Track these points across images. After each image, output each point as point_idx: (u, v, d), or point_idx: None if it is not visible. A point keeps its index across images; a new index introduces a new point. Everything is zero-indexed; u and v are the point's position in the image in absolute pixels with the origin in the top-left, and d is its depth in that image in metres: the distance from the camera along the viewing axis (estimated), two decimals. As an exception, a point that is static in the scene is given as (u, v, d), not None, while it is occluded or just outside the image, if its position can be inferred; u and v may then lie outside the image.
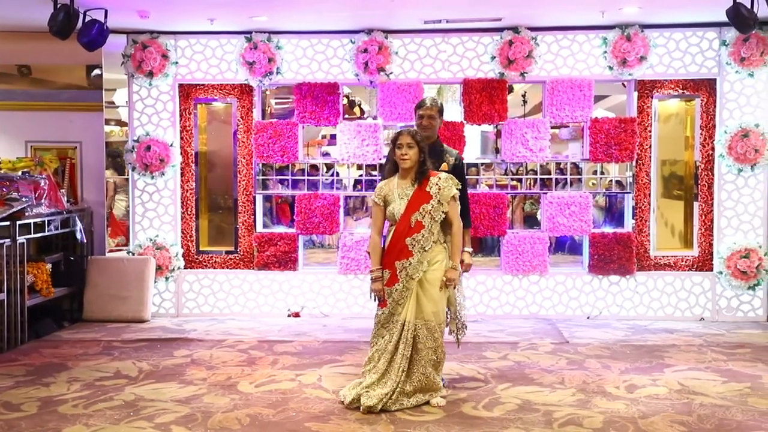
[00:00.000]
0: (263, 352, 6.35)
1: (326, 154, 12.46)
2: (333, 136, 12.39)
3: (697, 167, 7.76)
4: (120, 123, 8.21)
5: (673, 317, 7.66)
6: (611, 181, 8.10)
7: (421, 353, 4.78)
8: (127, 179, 8.07)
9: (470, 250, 5.24)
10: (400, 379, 4.75)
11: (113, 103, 8.11)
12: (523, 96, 13.23)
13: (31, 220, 6.83)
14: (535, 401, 4.94)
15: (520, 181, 8.05)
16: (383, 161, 6.86)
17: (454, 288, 4.94)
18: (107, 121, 8.06)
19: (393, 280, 4.80)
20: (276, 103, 12.76)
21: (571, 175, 7.90)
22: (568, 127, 11.68)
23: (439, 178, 4.83)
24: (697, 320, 7.64)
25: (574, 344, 6.58)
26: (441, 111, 5.28)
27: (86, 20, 6.66)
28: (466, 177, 7.89)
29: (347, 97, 12.99)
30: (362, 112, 13.86)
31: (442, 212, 4.80)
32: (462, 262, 5.07)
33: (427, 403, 4.83)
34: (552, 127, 8.05)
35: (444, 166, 5.15)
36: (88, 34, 6.69)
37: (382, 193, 4.92)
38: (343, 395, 4.92)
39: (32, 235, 6.88)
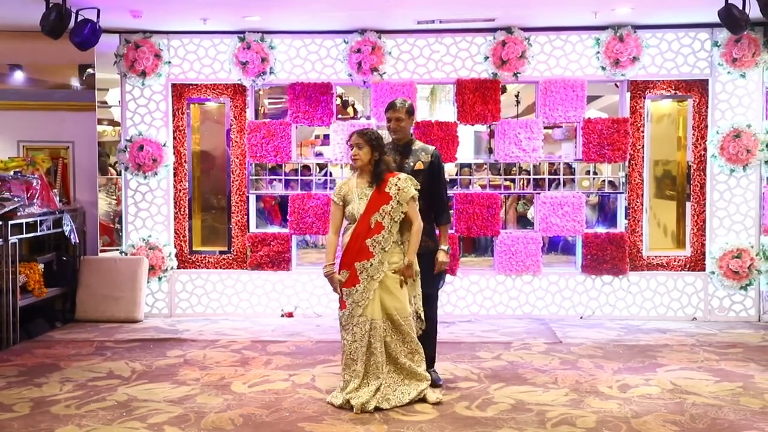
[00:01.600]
0: (256, 352, 6.34)
1: (319, 154, 12.45)
2: (326, 136, 12.40)
3: (690, 167, 7.79)
4: (113, 123, 8.19)
5: (665, 317, 7.69)
6: (604, 181, 8.12)
7: (391, 346, 4.80)
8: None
9: (446, 248, 5.18)
10: (384, 375, 4.78)
11: (106, 102, 8.09)
12: (517, 96, 13.25)
13: (24, 220, 6.81)
14: (528, 401, 4.95)
15: (513, 181, 8.06)
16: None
17: (412, 282, 4.90)
18: (99, 121, 8.04)
19: (353, 281, 4.79)
20: (269, 103, 12.74)
21: (564, 175, 7.92)
22: (561, 127, 11.70)
23: (399, 179, 4.83)
24: (689, 320, 7.67)
25: (567, 344, 6.60)
26: (410, 111, 5.21)
27: (78, 20, 6.64)
28: (460, 177, 7.97)
29: (341, 97, 12.98)
30: (356, 112, 13.86)
31: (402, 212, 4.81)
32: (436, 260, 5.09)
33: (423, 399, 4.84)
34: (545, 128, 8.06)
35: (419, 165, 5.12)
36: (80, 33, 6.67)
37: (341, 193, 4.91)
38: (331, 400, 4.92)
39: (24, 235, 6.85)
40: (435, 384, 5.11)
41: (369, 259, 4.76)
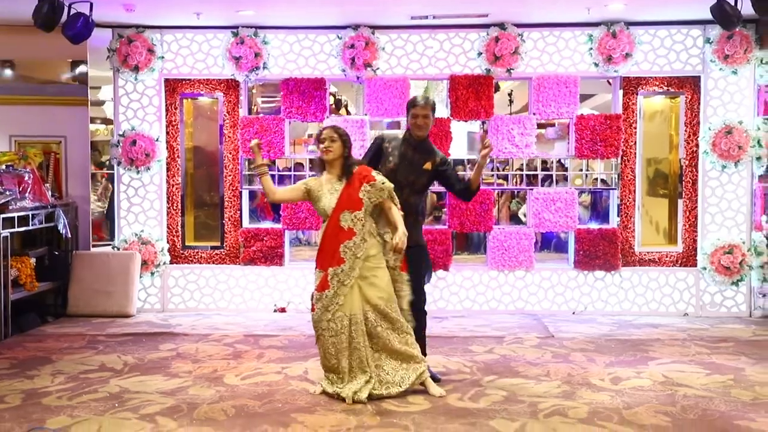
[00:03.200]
0: (249, 346, 6.34)
1: (312, 152, 12.43)
2: (319, 134, 12.35)
3: (682, 164, 7.82)
4: (106, 121, 8.15)
5: (657, 312, 7.71)
6: (596, 178, 8.14)
7: (381, 334, 4.81)
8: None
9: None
10: (371, 366, 4.80)
11: (98, 97, 8.06)
12: (510, 95, 13.25)
13: (15, 214, 6.78)
14: (520, 393, 4.96)
15: (506, 177, 8.07)
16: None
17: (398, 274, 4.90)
18: (92, 120, 8.01)
19: (324, 286, 4.83)
20: (262, 102, 12.71)
21: (556, 171, 7.93)
22: (554, 125, 11.71)
23: (369, 185, 4.79)
24: (681, 315, 7.69)
25: (559, 338, 6.61)
26: (434, 109, 5.23)
27: (71, 13, 6.61)
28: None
29: (334, 96, 12.97)
30: (348, 113, 13.83)
31: (374, 220, 4.88)
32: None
33: (424, 390, 4.87)
34: (538, 126, 8.07)
35: (427, 165, 5.12)
36: (73, 27, 6.63)
37: (309, 184, 4.96)
38: (319, 386, 4.97)
39: (16, 229, 6.83)
40: (434, 379, 5.09)
41: (340, 265, 4.79)
